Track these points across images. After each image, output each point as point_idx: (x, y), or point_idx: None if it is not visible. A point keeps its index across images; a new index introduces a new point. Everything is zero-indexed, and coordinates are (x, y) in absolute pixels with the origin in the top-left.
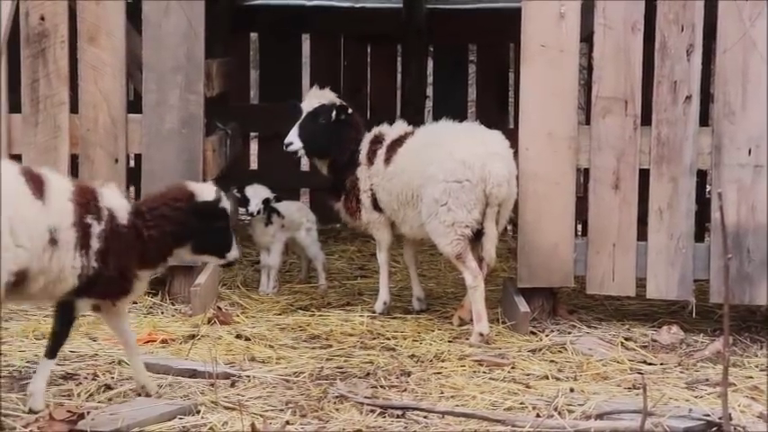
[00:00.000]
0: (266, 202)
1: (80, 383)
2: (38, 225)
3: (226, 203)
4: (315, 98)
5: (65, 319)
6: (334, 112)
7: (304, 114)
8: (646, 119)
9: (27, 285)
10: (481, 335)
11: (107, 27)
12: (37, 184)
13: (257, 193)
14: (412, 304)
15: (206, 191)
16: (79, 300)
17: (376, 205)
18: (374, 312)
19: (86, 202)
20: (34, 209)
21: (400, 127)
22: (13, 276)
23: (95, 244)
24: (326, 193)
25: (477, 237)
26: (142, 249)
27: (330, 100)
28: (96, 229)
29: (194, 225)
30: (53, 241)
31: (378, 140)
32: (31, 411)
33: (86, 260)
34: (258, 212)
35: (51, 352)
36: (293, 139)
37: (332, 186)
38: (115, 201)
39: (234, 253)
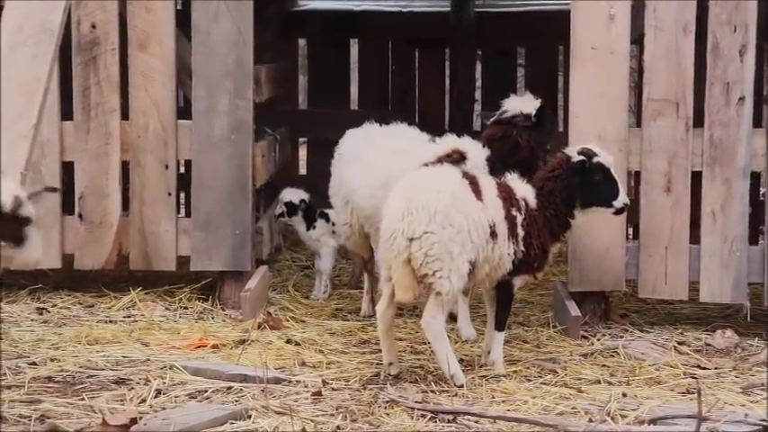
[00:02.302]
0: (290, 205)
1: (132, 388)
2: (482, 222)
3: (599, 158)
4: None
5: (505, 295)
6: None
7: None
8: (698, 121)
9: (474, 273)
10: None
11: (157, 34)
12: (475, 186)
13: (284, 197)
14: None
15: (575, 150)
16: (514, 278)
17: None
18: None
19: (509, 196)
20: (478, 208)
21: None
22: (469, 266)
23: (520, 232)
24: None
25: None
26: (550, 226)
27: None
28: (519, 219)
29: (575, 184)
30: (493, 234)
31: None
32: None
33: (516, 246)
34: (282, 215)
35: (500, 324)
36: None
37: None
38: (525, 190)
39: (621, 199)
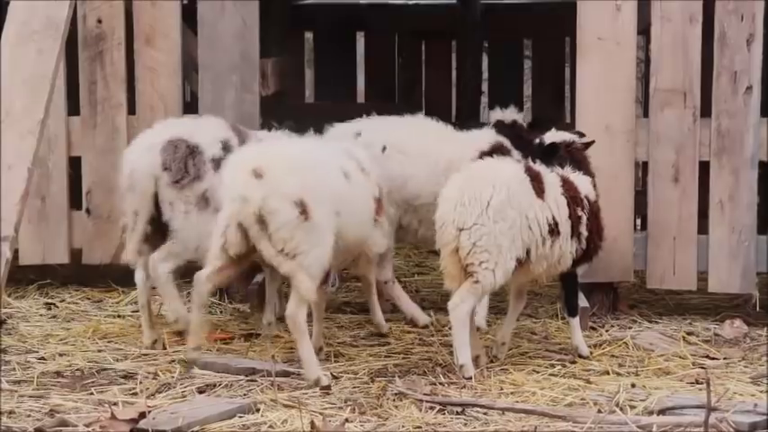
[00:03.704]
0: None
1: (141, 382)
2: (538, 220)
3: None
4: None
5: (571, 283)
6: None
7: None
8: (705, 110)
9: (530, 268)
10: None
11: (163, 28)
12: (537, 183)
13: None
14: None
15: None
16: (576, 269)
17: None
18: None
19: (574, 195)
20: (537, 206)
21: None
22: (515, 263)
23: (584, 231)
24: None
25: None
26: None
27: None
28: (584, 218)
29: None
30: (552, 232)
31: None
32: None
33: (579, 245)
34: None
35: (573, 310)
36: None
37: None
38: (586, 186)
39: None
